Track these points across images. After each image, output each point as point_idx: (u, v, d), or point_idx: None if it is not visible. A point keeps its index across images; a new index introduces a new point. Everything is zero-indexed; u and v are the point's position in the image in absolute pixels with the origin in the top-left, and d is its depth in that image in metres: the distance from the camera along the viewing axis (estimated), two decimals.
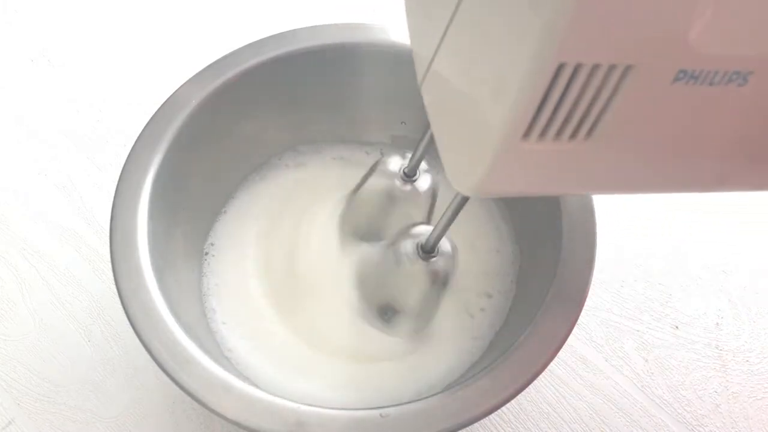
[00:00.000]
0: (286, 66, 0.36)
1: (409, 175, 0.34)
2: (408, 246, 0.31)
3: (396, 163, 0.34)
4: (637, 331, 0.40)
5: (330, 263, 0.36)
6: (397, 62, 0.36)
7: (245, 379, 0.31)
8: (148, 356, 0.27)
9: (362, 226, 0.37)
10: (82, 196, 0.43)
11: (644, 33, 0.16)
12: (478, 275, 0.36)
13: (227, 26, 0.51)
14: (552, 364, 0.29)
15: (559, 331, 0.29)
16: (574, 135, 0.18)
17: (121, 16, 0.51)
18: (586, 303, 0.30)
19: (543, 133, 0.18)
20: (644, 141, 0.20)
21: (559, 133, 0.18)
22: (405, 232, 0.32)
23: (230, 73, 0.34)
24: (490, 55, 0.19)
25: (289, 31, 0.36)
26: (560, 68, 0.16)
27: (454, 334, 0.35)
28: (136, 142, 0.32)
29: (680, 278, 0.42)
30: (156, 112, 0.33)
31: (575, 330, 0.30)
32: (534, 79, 0.17)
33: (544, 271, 0.31)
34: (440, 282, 0.32)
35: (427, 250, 0.31)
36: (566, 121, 0.18)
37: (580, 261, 0.30)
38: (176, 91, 0.34)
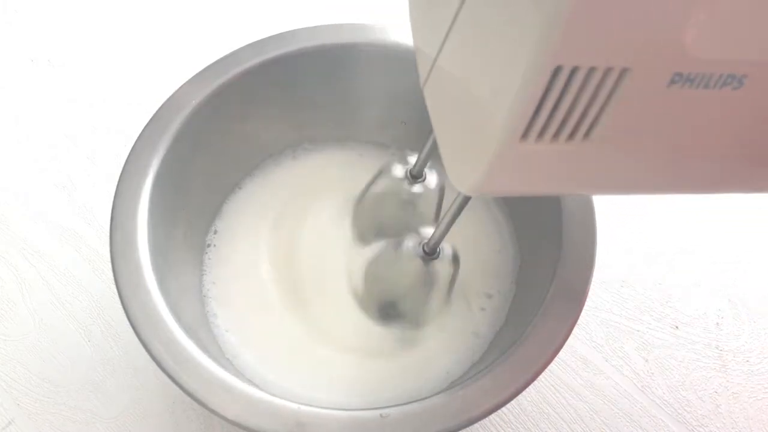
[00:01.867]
0: (287, 66, 0.36)
1: (416, 177, 0.34)
2: (410, 245, 0.31)
3: (401, 166, 0.34)
4: (638, 331, 0.40)
5: (335, 262, 0.36)
6: (398, 63, 0.36)
7: (245, 378, 0.31)
8: (148, 356, 0.27)
9: (372, 228, 0.37)
10: (82, 196, 0.43)
11: (640, 36, 0.16)
12: (478, 275, 0.37)
13: (227, 26, 0.51)
14: (552, 364, 0.29)
15: (559, 331, 0.29)
16: (571, 136, 0.19)
17: (121, 16, 0.51)
18: (586, 303, 0.30)
19: (541, 134, 0.18)
20: (641, 142, 0.20)
21: (556, 134, 0.19)
22: (411, 233, 0.32)
23: (231, 73, 0.34)
24: (490, 56, 0.19)
25: (289, 31, 0.36)
26: (557, 71, 0.17)
27: (454, 334, 0.35)
28: (136, 141, 0.32)
29: (680, 278, 0.42)
30: (156, 112, 0.33)
31: (575, 330, 0.30)
32: (531, 81, 0.17)
33: (544, 271, 0.31)
34: (439, 284, 0.32)
35: (429, 251, 0.31)
36: (564, 122, 0.18)
37: (580, 261, 0.31)
38: (177, 90, 0.34)
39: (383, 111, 0.39)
